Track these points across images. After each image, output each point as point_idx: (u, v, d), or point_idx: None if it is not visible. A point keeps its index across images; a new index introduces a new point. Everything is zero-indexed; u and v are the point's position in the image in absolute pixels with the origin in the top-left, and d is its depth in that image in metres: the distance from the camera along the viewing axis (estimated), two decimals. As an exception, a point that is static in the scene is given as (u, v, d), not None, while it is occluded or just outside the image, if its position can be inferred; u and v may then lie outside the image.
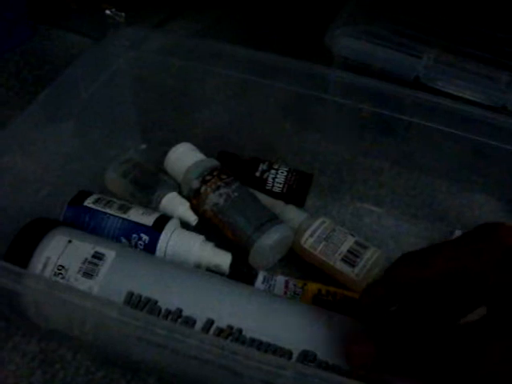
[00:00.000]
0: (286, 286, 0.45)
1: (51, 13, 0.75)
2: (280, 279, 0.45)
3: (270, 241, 0.46)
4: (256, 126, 0.56)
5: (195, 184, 0.49)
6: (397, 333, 0.32)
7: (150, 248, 0.44)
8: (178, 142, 0.54)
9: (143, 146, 0.59)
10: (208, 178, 0.49)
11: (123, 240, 0.44)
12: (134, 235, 0.44)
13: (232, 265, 0.45)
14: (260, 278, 0.45)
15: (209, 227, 0.49)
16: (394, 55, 0.53)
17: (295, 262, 0.49)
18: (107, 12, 0.72)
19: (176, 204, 0.49)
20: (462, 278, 0.30)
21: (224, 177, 0.49)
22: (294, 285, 0.45)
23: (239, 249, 0.47)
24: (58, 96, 0.47)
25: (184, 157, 0.52)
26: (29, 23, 0.72)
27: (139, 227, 0.44)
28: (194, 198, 0.49)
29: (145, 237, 0.44)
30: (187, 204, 0.49)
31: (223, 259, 0.44)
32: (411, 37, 0.55)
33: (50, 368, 0.42)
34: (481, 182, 0.54)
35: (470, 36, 0.58)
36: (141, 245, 0.44)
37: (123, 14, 0.72)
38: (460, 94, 0.53)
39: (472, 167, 0.53)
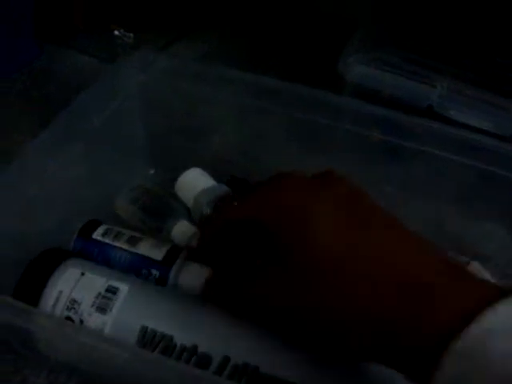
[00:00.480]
0: None
1: (58, 32, 0.75)
2: None
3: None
4: (265, 150, 0.56)
5: (206, 210, 0.49)
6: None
7: (161, 282, 0.43)
8: (186, 166, 0.53)
9: (151, 171, 0.58)
10: (219, 204, 0.49)
11: (132, 275, 0.43)
12: (144, 270, 0.43)
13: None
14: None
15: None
16: (408, 83, 0.53)
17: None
18: (116, 33, 0.72)
19: (186, 233, 0.48)
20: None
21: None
22: None
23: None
24: (70, 122, 0.47)
25: (195, 182, 0.51)
26: (36, 43, 0.72)
27: (149, 262, 0.44)
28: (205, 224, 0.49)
29: (155, 272, 0.43)
30: (198, 232, 0.48)
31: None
32: (424, 65, 0.56)
33: (60, 401, 0.41)
34: (490, 211, 0.54)
35: (481, 65, 0.58)
36: (151, 280, 0.43)
37: (132, 34, 0.72)
38: (470, 123, 0.53)
39: (481, 195, 0.53)
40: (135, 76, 0.52)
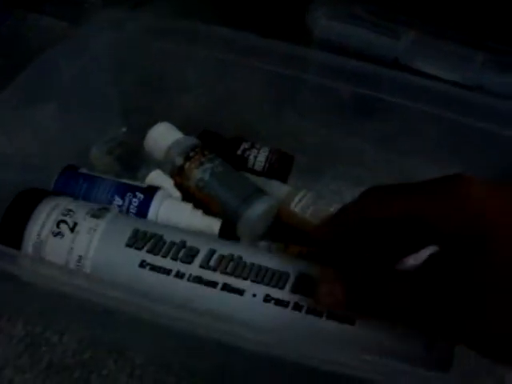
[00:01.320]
0: (269, 251, 0.46)
1: (27, -4, 0.73)
2: (263, 244, 0.47)
3: (257, 212, 0.48)
4: (236, 107, 0.57)
5: (178, 161, 0.50)
6: (359, 271, 0.33)
7: (144, 207, 0.45)
8: (158, 124, 0.54)
9: (123, 129, 0.59)
10: (191, 154, 0.51)
11: (117, 198, 0.46)
12: (129, 193, 0.46)
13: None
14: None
15: (193, 204, 0.49)
16: (374, 37, 0.54)
17: (280, 231, 0.50)
18: (84, -6, 0.71)
19: (160, 181, 0.50)
20: (420, 222, 0.30)
21: (207, 153, 0.51)
22: (277, 249, 0.47)
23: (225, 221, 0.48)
24: (38, 78, 0.47)
25: (165, 135, 0.53)
26: (4, 7, 0.71)
27: (134, 187, 0.46)
28: (178, 175, 0.50)
29: (140, 195, 0.46)
30: (171, 181, 0.50)
31: (213, 225, 0.46)
32: (390, 18, 0.56)
33: (37, 351, 0.42)
34: (457, 160, 0.55)
35: (446, 17, 0.59)
36: (135, 202, 0.45)
37: (100, -4, 0.71)
38: (437, 75, 0.54)
39: (450, 147, 0.54)
40: (105, 34, 0.53)
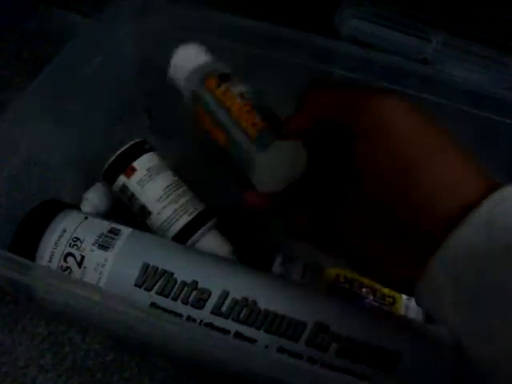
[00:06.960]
0: (304, 271, 0.44)
1: (51, -7, 0.73)
2: (298, 263, 0.44)
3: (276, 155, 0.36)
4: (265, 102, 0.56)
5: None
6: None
7: None
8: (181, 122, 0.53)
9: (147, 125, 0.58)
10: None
11: None
12: None
13: (247, 249, 0.44)
14: (278, 260, 0.44)
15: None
16: (403, 38, 0.53)
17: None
18: (108, -9, 0.70)
19: None
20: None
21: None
22: (312, 270, 0.44)
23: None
24: (60, 74, 0.46)
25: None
26: (29, 2, 0.71)
27: None
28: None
29: None
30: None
31: (225, 249, 0.44)
32: (420, 19, 0.55)
33: (60, 351, 0.42)
34: (490, 161, 0.54)
35: (478, 19, 0.58)
36: None
37: (124, -9, 0.71)
38: (466, 78, 0.53)
39: (481, 146, 0.53)
40: (124, 26, 0.51)
